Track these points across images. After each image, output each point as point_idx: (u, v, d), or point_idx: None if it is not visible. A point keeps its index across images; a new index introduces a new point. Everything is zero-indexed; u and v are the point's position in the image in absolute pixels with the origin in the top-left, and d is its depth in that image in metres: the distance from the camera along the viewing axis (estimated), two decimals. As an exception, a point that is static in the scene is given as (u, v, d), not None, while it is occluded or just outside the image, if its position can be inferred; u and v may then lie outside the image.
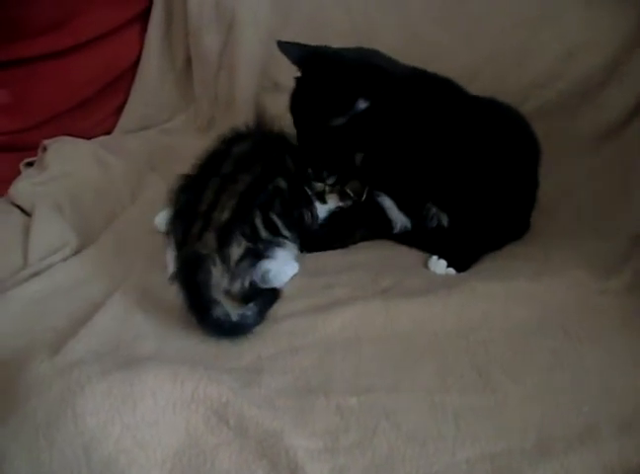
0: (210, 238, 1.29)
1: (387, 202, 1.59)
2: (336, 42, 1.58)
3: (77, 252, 1.57)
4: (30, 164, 2.03)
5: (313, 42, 1.56)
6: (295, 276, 1.43)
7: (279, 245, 1.39)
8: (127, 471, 0.94)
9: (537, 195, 1.60)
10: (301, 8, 2.14)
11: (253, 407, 1.02)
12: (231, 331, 1.22)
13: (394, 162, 1.53)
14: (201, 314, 1.22)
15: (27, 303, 1.36)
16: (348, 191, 1.54)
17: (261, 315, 1.26)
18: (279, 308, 1.30)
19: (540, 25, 1.96)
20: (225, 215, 1.31)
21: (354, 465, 0.96)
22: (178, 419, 1.00)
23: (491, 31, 2.00)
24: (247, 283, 1.34)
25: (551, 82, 1.95)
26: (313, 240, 1.54)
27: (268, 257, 1.36)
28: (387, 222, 1.59)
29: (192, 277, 1.24)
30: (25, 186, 1.83)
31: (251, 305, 1.27)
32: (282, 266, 1.41)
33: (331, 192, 1.54)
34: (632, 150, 1.80)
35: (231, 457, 0.97)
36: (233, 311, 1.23)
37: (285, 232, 1.40)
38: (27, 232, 1.60)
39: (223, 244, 1.29)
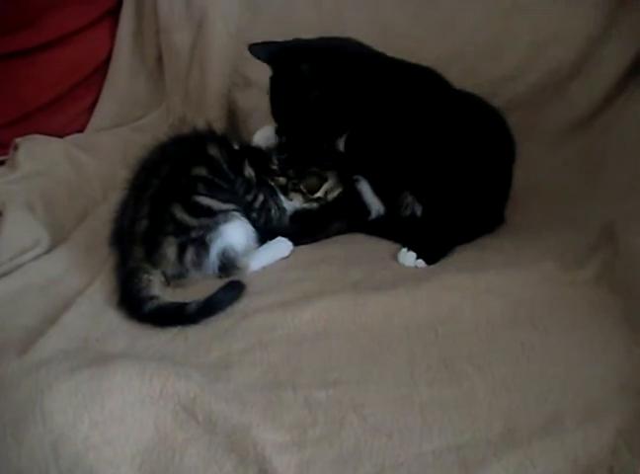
0: (137, 250, 1.36)
1: (363, 187, 1.60)
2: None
3: (49, 250, 1.57)
4: (1, 163, 2.03)
5: (283, 39, 1.57)
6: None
7: (224, 222, 1.41)
8: (96, 468, 0.95)
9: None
10: (271, 4, 2.15)
11: (221, 402, 1.02)
12: (166, 319, 1.27)
13: (371, 148, 1.54)
14: (134, 311, 1.30)
15: (-3, 302, 1.36)
16: (301, 187, 1.55)
17: (211, 307, 1.28)
18: (249, 303, 1.31)
19: (511, 18, 1.96)
20: (144, 225, 1.37)
21: (321, 458, 0.97)
22: (146, 415, 1.01)
23: (462, 24, 2.01)
24: (214, 270, 1.41)
25: (522, 75, 1.97)
26: (286, 236, 1.54)
27: (216, 238, 1.39)
28: (363, 207, 1.61)
29: (125, 292, 1.34)
30: (-4, 184, 1.82)
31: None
32: (249, 235, 1.47)
33: (293, 189, 1.55)
34: (601, 142, 1.82)
35: (200, 452, 0.98)
36: (171, 302, 1.31)
37: (224, 206, 1.42)
38: (-2, 231, 1.59)
39: (151, 252, 1.36)
